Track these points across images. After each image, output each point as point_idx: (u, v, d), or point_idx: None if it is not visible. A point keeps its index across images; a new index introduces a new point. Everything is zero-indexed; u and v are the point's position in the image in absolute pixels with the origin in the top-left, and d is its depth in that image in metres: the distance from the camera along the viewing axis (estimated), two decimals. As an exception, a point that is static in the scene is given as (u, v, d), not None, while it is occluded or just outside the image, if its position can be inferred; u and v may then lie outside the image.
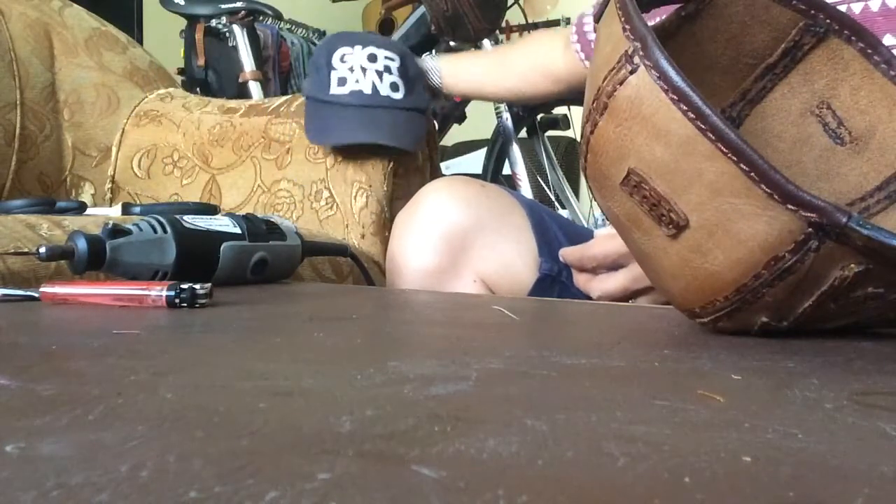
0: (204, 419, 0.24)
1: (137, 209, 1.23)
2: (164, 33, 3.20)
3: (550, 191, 2.41)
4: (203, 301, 0.53)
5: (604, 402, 0.28)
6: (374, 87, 1.20)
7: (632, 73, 0.40)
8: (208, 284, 0.54)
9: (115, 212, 1.20)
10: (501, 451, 0.21)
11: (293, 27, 3.30)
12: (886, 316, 0.44)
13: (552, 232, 0.79)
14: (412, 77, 1.22)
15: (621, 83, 0.41)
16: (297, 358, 0.37)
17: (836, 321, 0.44)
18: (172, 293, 0.52)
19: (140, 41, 2.49)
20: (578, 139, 0.52)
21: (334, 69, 1.24)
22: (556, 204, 2.43)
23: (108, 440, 0.21)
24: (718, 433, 0.23)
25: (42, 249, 0.58)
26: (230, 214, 0.72)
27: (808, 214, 0.37)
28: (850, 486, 0.19)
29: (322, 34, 3.55)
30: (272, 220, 0.75)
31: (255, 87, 2.57)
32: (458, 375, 0.31)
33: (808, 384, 0.31)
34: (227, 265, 0.67)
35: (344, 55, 1.24)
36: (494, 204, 0.78)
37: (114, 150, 1.51)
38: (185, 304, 0.53)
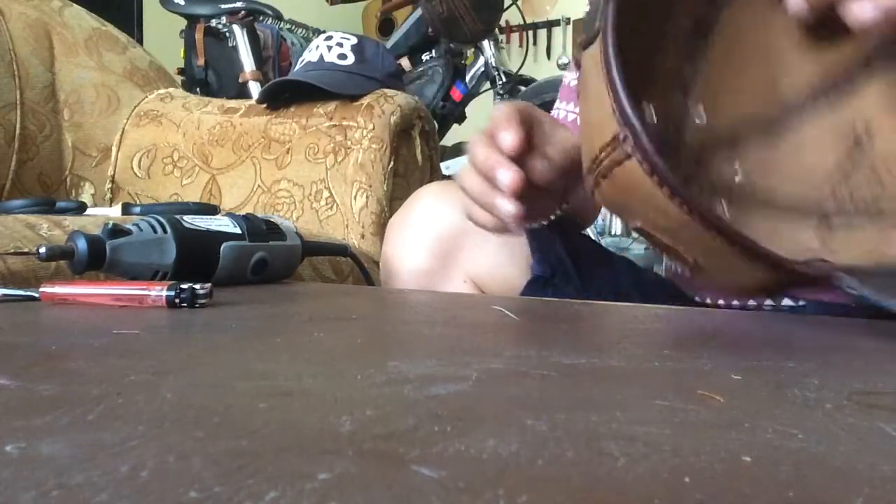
0: (204, 419, 0.24)
1: (137, 209, 1.23)
2: (164, 33, 3.20)
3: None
4: (203, 301, 0.53)
5: (604, 402, 0.28)
6: (321, 57, 1.40)
7: (626, 158, 0.42)
8: (208, 284, 0.54)
9: (115, 212, 1.20)
10: (501, 451, 0.21)
11: (293, 27, 3.30)
12: None
13: (544, 234, 0.79)
14: (367, 56, 1.40)
15: (618, 163, 0.43)
16: (297, 358, 0.37)
17: None
18: (172, 293, 0.52)
19: (140, 41, 2.49)
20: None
21: (301, 59, 1.46)
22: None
23: (108, 440, 0.21)
24: (718, 433, 0.23)
25: (42, 249, 0.58)
26: (230, 214, 0.72)
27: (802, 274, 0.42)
28: (850, 486, 0.19)
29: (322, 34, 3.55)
30: (272, 220, 0.75)
31: (255, 87, 2.57)
32: (458, 375, 0.31)
33: (808, 384, 0.31)
34: (227, 265, 0.67)
35: (311, 46, 1.46)
36: None
37: (114, 150, 1.51)
38: (185, 304, 0.53)
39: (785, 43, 0.56)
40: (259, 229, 0.71)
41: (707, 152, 0.57)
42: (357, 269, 0.98)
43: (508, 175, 0.56)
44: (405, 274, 0.76)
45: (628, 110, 0.41)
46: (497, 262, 0.76)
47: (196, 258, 0.65)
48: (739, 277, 0.44)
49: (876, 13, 0.43)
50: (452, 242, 0.75)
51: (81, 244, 0.59)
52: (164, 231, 0.64)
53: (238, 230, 0.69)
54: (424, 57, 2.80)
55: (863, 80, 0.55)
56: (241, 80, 2.63)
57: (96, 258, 0.60)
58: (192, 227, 0.65)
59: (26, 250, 0.68)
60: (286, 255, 0.75)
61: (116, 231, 0.62)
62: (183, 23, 2.83)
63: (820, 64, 0.55)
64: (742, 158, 0.57)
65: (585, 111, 0.47)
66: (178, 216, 0.66)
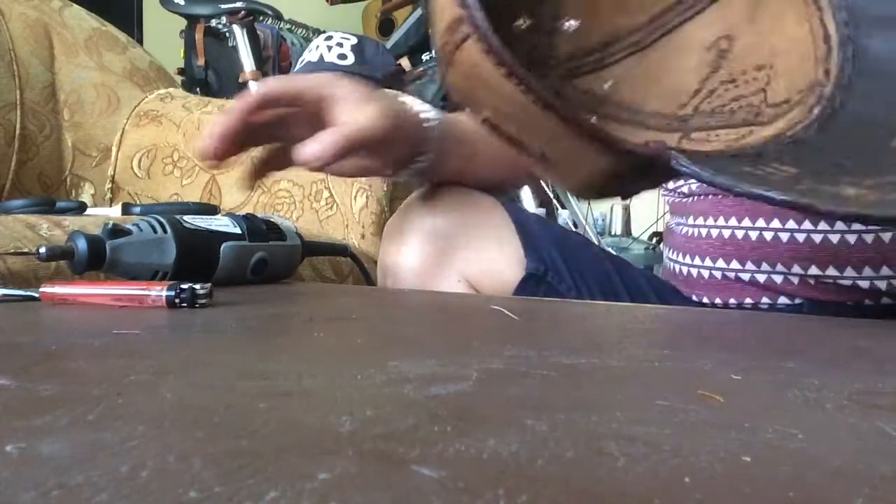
0: (204, 419, 0.24)
1: (137, 209, 1.23)
2: (164, 33, 3.20)
3: (549, 189, 2.41)
4: (203, 301, 0.53)
5: (604, 402, 0.28)
6: (321, 57, 1.42)
7: (464, 40, 0.42)
8: (208, 284, 0.54)
9: (115, 212, 1.20)
10: (501, 451, 0.21)
11: (293, 27, 3.30)
12: None
13: (536, 233, 0.79)
14: (367, 56, 1.42)
15: (457, 46, 0.43)
16: (297, 358, 0.37)
17: None
18: (172, 293, 0.52)
19: (140, 41, 2.49)
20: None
21: (301, 59, 1.49)
22: (556, 203, 2.43)
23: (108, 440, 0.21)
24: (718, 433, 0.23)
25: (42, 249, 0.58)
26: (230, 214, 0.72)
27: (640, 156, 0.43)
28: (850, 486, 0.19)
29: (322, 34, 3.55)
30: (272, 220, 0.75)
31: (255, 88, 2.57)
32: (458, 375, 0.31)
33: (808, 384, 0.31)
34: (227, 265, 0.67)
35: (311, 46, 1.49)
36: (476, 206, 0.78)
37: (114, 150, 1.51)
38: (185, 304, 0.53)
39: None
40: (259, 229, 0.71)
41: (577, 65, 0.58)
42: (357, 269, 0.98)
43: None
44: (400, 275, 0.76)
45: None
46: (490, 261, 0.77)
47: (196, 258, 0.65)
48: (584, 165, 0.45)
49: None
50: (446, 242, 0.75)
51: (81, 244, 0.59)
52: (164, 231, 0.64)
53: (238, 230, 0.69)
54: (424, 57, 2.80)
55: None
56: (241, 80, 2.63)
57: (96, 258, 0.60)
58: (192, 226, 0.65)
59: (26, 250, 0.68)
60: (286, 255, 0.75)
61: (116, 231, 0.62)
62: (183, 23, 2.83)
63: None
64: (611, 72, 0.58)
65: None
66: (178, 216, 0.66)
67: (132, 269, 0.62)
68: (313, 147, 0.61)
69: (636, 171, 0.45)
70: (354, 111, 0.64)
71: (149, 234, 0.63)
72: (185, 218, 0.66)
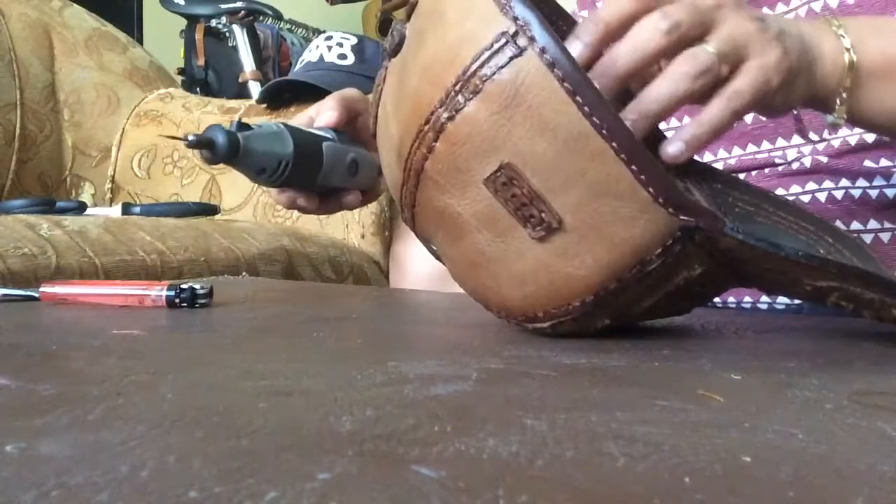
0: (204, 419, 0.24)
1: (137, 209, 1.23)
2: (164, 33, 3.20)
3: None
4: (203, 301, 0.53)
5: (604, 402, 0.28)
6: (321, 56, 1.41)
7: (516, 56, 0.36)
8: (209, 284, 0.54)
9: (115, 212, 1.20)
10: (501, 451, 0.21)
11: (293, 27, 3.30)
12: (677, 308, 0.46)
13: None
14: (367, 55, 1.43)
15: (502, 66, 0.36)
16: (297, 358, 0.37)
17: (650, 316, 0.45)
18: (172, 293, 0.53)
19: (140, 41, 2.49)
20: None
21: (301, 59, 1.50)
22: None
23: (108, 440, 0.21)
24: (718, 433, 0.24)
25: (190, 137, 0.59)
26: (320, 129, 0.73)
27: (688, 219, 0.36)
28: (850, 486, 0.19)
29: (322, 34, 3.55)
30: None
31: (255, 87, 2.57)
32: (458, 375, 0.31)
33: (808, 384, 0.31)
34: (330, 164, 0.69)
35: (311, 46, 1.49)
36: None
37: (114, 150, 1.52)
38: (185, 304, 0.53)
39: None
40: (345, 134, 0.73)
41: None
42: (356, 269, 0.98)
43: None
44: (415, 275, 0.76)
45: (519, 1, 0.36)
46: None
47: (307, 154, 0.67)
48: (617, 231, 0.37)
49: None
50: None
51: (221, 137, 0.60)
52: (279, 127, 0.65)
53: (329, 135, 0.71)
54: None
55: None
56: (241, 80, 2.63)
57: (234, 149, 0.61)
58: (296, 126, 0.68)
59: (177, 136, 0.68)
60: (369, 160, 0.76)
61: (242, 125, 0.63)
62: (183, 23, 2.83)
63: None
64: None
65: (436, 34, 0.40)
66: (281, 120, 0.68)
67: (261, 158, 0.63)
68: (327, 114, 0.69)
69: (677, 245, 0.37)
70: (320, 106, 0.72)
71: (269, 127, 0.65)
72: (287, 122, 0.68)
